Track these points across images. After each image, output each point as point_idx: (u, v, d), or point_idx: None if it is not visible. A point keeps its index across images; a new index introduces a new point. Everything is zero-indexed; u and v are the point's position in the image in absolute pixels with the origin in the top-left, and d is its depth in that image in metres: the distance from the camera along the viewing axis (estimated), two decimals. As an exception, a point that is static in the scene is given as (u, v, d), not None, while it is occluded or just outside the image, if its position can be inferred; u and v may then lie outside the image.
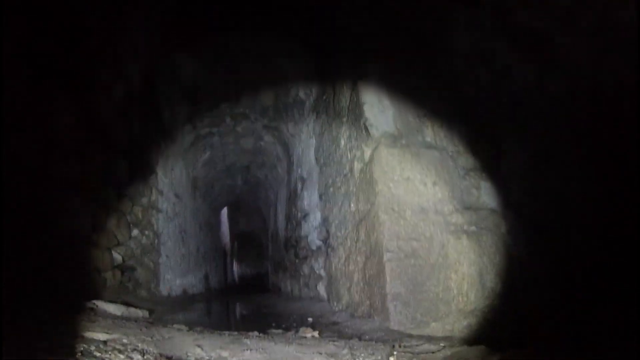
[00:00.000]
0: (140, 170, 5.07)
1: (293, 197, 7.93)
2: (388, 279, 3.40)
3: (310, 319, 4.39)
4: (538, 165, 3.89)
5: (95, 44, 3.49)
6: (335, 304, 4.77)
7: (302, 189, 6.98)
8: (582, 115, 3.70)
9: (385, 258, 3.45)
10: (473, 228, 3.67)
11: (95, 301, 3.42)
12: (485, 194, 3.89)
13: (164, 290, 6.17)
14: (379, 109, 3.99)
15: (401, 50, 4.43)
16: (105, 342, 2.16)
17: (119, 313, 3.45)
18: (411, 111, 4.07)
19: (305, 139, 6.77)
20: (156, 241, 5.91)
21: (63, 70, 3.11)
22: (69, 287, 3.31)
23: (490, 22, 3.97)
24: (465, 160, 3.97)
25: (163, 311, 4.57)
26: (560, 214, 3.71)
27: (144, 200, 5.35)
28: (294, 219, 7.72)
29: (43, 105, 2.90)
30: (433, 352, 2.57)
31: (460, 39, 4.27)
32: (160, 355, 2.13)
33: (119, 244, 4.45)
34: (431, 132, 4.02)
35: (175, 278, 7.04)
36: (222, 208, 15.94)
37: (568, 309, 3.28)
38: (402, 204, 3.61)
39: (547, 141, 3.87)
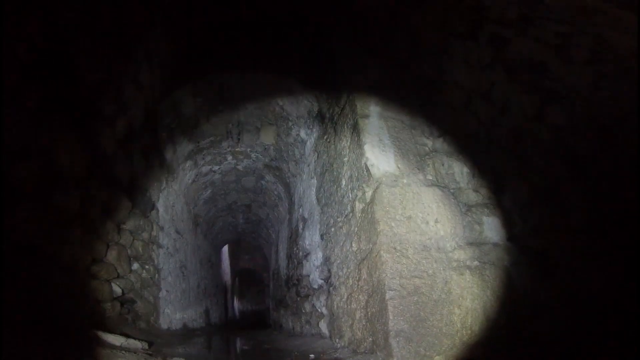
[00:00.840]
0: (141, 205, 5.01)
1: (294, 237, 7.83)
2: (391, 316, 3.32)
3: (312, 356, 4.30)
4: (540, 198, 3.85)
5: (99, 78, 3.48)
6: (337, 340, 4.66)
7: (303, 229, 6.89)
8: (582, 144, 3.68)
9: (387, 296, 3.37)
10: (476, 263, 3.60)
11: (94, 331, 3.35)
12: (488, 229, 3.82)
13: (164, 323, 6.06)
14: (379, 149, 3.96)
15: (400, 88, 4.42)
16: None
17: (117, 344, 3.37)
18: (412, 150, 4.03)
19: (307, 179, 6.70)
20: (157, 275, 5.81)
21: (66, 103, 3.10)
22: (67, 316, 3.22)
23: (487, 55, 3.98)
24: (467, 196, 3.92)
25: (162, 344, 4.47)
26: (564, 245, 3.65)
27: (145, 235, 5.27)
28: (296, 258, 7.62)
29: (46, 136, 2.87)
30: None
31: (458, 73, 4.28)
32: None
33: (119, 276, 4.37)
34: (432, 170, 3.98)
35: (175, 312, 6.91)
36: (223, 245, 15.85)
37: (574, 338, 3.24)
38: (404, 242, 3.55)
39: (549, 173, 3.84)
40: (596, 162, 3.63)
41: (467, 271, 3.56)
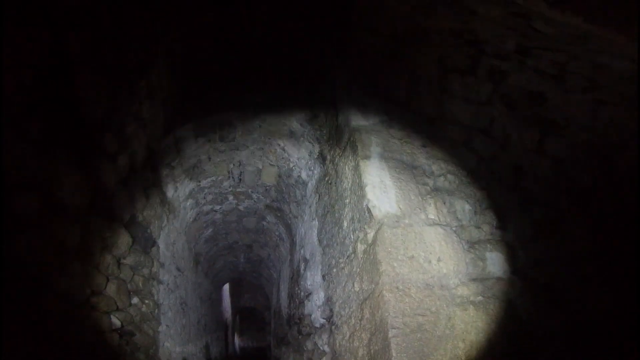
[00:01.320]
0: (142, 241, 4.97)
1: (296, 277, 7.74)
2: (394, 353, 3.25)
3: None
4: (543, 230, 3.82)
5: (102, 114, 3.49)
6: (339, 377, 4.60)
7: (305, 269, 6.81)
8: (584, 175, 3.67)
9: (390, 334, 3.31)
10: (480, 298, 3.53)
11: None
12: (491, 264, 3.75)
13: (163, 357, 5.95)
14: (381, 190, 3.93)
15: (401, 127, 4.42)
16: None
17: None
18: (413, 189, 4.00)
19: (308, 220, 6.65)
20: (156, 310, 5.74)
21: (69, 137, 3.10)
22: (64, 345, 3.21)
23: (487, 90, 3.99)
24: (469, 233, 3.86)
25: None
26: (569, 275, 3.63)
27: (145, 270, 5.22)
28: (297, 298, 7.53)
29: (48, 168, 2.87)
30: None
31: (458, 110, 4.28)
32: None
33: (118, 309, 4.32)
34: (434, 209, 3.93)
35: (175, 346, 6.81)
36: (224, 283, 15.78)
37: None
38: (407, 281, 3.49)
39: (552, 205, 3.82)
40: (599, 191, 3.63)
41: (471, 306, 3.49)
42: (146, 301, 5.33)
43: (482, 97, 4.13)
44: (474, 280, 3.65)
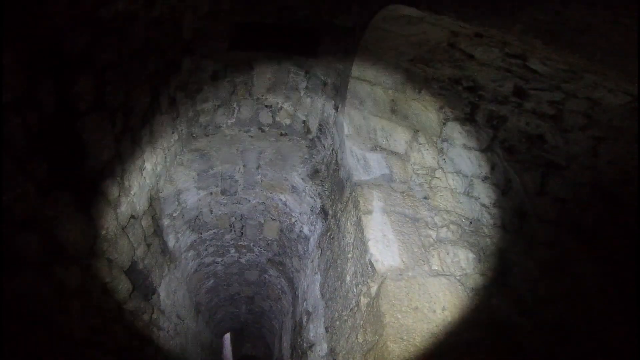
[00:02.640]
0: (142, 288, 4.92)
1: (298, 329, 7.58)
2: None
3: None
4: (550, 271, 3.74)
5: (105, 160, 3.47)
6: None
7: (307, 322, 6.65)
8: (588, 213, 3.63)
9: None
10: (487, 342, 3.44)
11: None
12: (497, 309, 3.66)
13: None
14: (383, 244, 3.86)
15: (403, 180, 4.39)
16: None
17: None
18: (416, 242, 3.93)
19: (310, 274, 6.54)
20: (157, 356, 5.72)
21: (73, 180, 3.07)
22: None
23: (486, 136, 3.97)
24: (474, 281, 3.79)
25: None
26: (578, 313, 3.54)
27: (145, 316, 5.15)
28: (300, 348, 7.36)
29: (51, 210, 2.81)
30: None
31: (459, 158, 4.26)
32: None
33: (118, 351, 4.25)
34: (437, 260, 3.86)
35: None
36: (225, 333, 15.62)
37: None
38: (411, 332, 3.38)
39: (557, 246, 3.75)
40: (603, 228, 3.59)
41: (478, 352, 3.37)
42: (146, 347, 5.27)
43: (482, 144, 4.11)
44: (480, 325, 3.54)
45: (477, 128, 4.05)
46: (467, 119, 4.11)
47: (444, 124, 4.33)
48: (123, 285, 4.31)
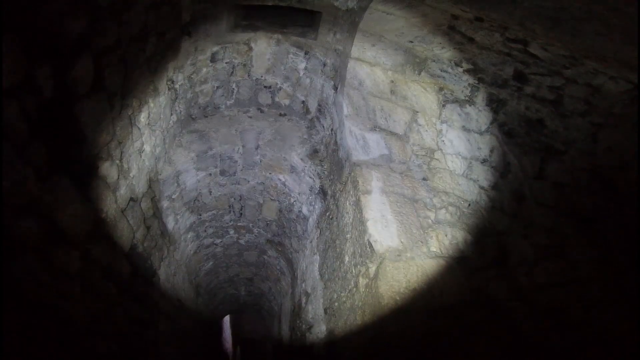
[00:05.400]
0: (142, 271, 4.96)
1: (297, 310, 7.65)
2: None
3: None
4: (546, 255, 3.78)
5: (103, 143, 3.48)
6: (344, 412, 4.50)
7: (306, 303, 6.72)
8: (586, 199, 3.65)
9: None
10: (483, 323, 3.47)
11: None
12: (494, 290, 3.71)
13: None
14: (382, 225, 3.88)
15: (402, 161, 4.40)
16: None
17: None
18: (414, 223, 3.95)
19: (309, 255, 6.60)
20: (156, 339, 5.76)
21: (71, 165, 3.09)
22: None
23: (486, 119, 3.98)
24: (472, 263, 3.81)
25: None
26: (573, 299, 3.59)
27: (146, 300, 5.21)
28: (299, 330, 7.42)
29: (50, 195, 2.84)
30: None
31: (458, 141, 4.28)
32: None
33: (119, 337, 4.30)
34: (436, 242, 3.88)
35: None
36: (225, 315, 15.73)
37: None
38: (410, 314, 3.42)
39: (554, 230, 3.78)
40: (601, 214, 3.61)
41: (476, 334, 3.43)
42: (147, 330, 5.29)
43: (481, 127, 4.12)
44: (477, 306, 3.59)
45: (476, 111, 4.07)
46: (467, 101, 4.13)
47: (444, 105, 4.34)
48: (123, 268, 4.34)
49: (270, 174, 6.49)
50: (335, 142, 5.03)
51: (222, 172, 6.29)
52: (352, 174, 4.39)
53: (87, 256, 3.55)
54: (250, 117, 5.51)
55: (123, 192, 4.10)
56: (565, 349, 3.45)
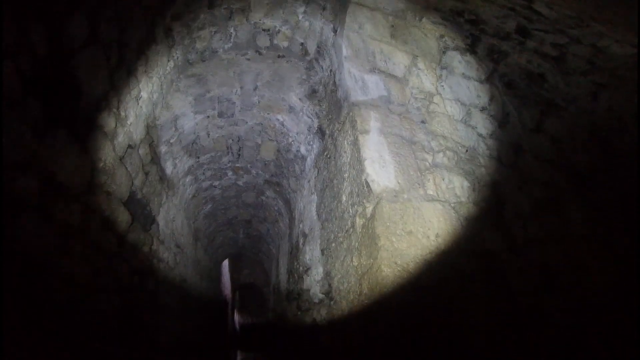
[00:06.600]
0: (141, 219, 5.05)
1: (295, 252, 7.80)
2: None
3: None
4: (541, 209, 3.86)
5: (100, 93, 3.52)
6: (338, 354, 4.64)
7: (304, 244, 6.87)
8: (583, 156, 3.69)
9: (388, 309, 3.34)
10: (478, 275, 3.56)
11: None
12: (489, 242, 3.78)
13: (163, 337, 6.13)
14: (380, 165, 3.94)
15: (400, 103, 4.44)
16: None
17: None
18: (412, 165, 4.02)
19: (307, 195, 6.71)
20: (157, 289, 5.88)
21: (68, 117, 3.13)
22: (66, 326, 3.28)
23: (486, 68, 4.00)
24: (468, 210, 3.90)
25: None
26: (564, 257, 3.66)
27: (145, 248, 5.30)
28: (296, 273, 7.57)
29: (47, 149, 2.90)
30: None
31: (458, 87, 4.30)
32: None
33: (120, 290, 4.39)
34: (433, 185, 3.96)
35: (174, 325, 6.99)
36: (223, 259, 15.82)
37: (579, 348, 3.26)
38: (405, 257, 3.49)
39: (550, 185, 3.85)
40: (597, 174, 3.64)
41: (469, 283, 3.52)
42: (147, 280, 5.41)
43: (481, 75, 4.15)
44: (472, 256, 3.67)
45: (477, 59, 4.08)
46: (468, 49, 4.14)
47: (444, 52, 4.37)
48: (122, 218, 4.45)
49: (268, 114, 6.53)
50: (334, 82, 5.06)
51: (220, 114, 6.34)
52: (351, 113, 4.44)
53: (87, 208, 3.63)
54: (249, 60, 5.53)
55: (121, 139, 4.17)
56: (554, 308, 3.54)
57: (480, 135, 4.24)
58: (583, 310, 3.47)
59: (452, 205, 3.92)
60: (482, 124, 4.25)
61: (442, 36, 4.28)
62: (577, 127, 3.74)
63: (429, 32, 4.37)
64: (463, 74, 4.29)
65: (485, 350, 3.30)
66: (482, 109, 4.23)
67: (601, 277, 3.53)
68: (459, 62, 4.25)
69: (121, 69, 3.80)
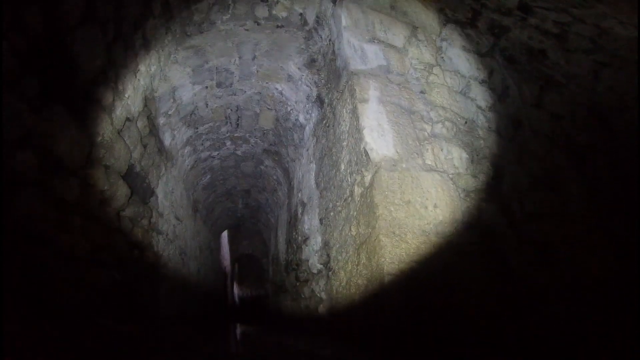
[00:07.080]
0: (140, 192, 5.07)
1: (294, 221, 7.87)
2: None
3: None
4: (539, 185, 3.89)
5: (97, 67, 3.52)
6: (337, 326, 4.69)
7: (302, 213, 6.93)
8: (583, 133, 3.70)
9: (386, 281, 3.35)
10: (475, 249, 3.59)
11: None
12: (486, 215, 3.82)
13: (163, 311, 6.17)
14: (378, 133, 3.96)
15: (399, 73, 4.44)
16: None
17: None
18: (411, 134, 4.05)
19: (306, 164, 6.75)
20: (156, 262, 5.90)
21: (65, 91, 3.15)
22: (67, 302, 3.30)
23: (487, 42, 4.00)
24: (466, 182, 3.94)
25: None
26: (562, 232, 3.70)
27: (144, 221, 5.31)
28: (295, 243, 7.65)
29: (45, 125, 2.93)
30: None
31: (458, 59, 4.30)
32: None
33: (119, 264, 4.41)
34: (431, 155, 3.99)
35: (174, 299, 7.03)
36: (222, 231, 15.83)
37: (574, 324, 3.29)
38: (403, 227, 3.52)
39: (548, 160, 3.88)
40: (595, 151, 3.65)
41: (467, 257, 3.55)
42: (146, 253, 5.44)
43: (481, 49, 4.15)
44: (469, 229, 3.71)
45: (477, 33, 4.09)
46: (468, 23, 4.15)
47: (444, 24, 4.37)
48: (121, 191, 4.46)
49: (267, 83, 6.53)
50: (333, 51, 5.07)
51: (219, 84, 6.34)
52: (350, 82, 4.44)
53: (85, 183, 3.67)
54: (247, 30, 5.52)
55: (119, 113, 4.18)
56: (547, 286, 3.59)
57: (479, 107, 4.25)
58: (578, 288, 3.50)
59: (451, 176, 3.95)
60: (482, 96, 4.27)
61: (442, 9, 4.28)
62: (577, 104, 3.75)
63: (430, 5, 4.37)
64: (463, 46, 4.30)
65: (479, 317, 3.35)
66: (482, 82, 4.24)
67: (598, 257, 3.56)
68: (459, 35, 4.27)
69: (118, 44, 3.81)
